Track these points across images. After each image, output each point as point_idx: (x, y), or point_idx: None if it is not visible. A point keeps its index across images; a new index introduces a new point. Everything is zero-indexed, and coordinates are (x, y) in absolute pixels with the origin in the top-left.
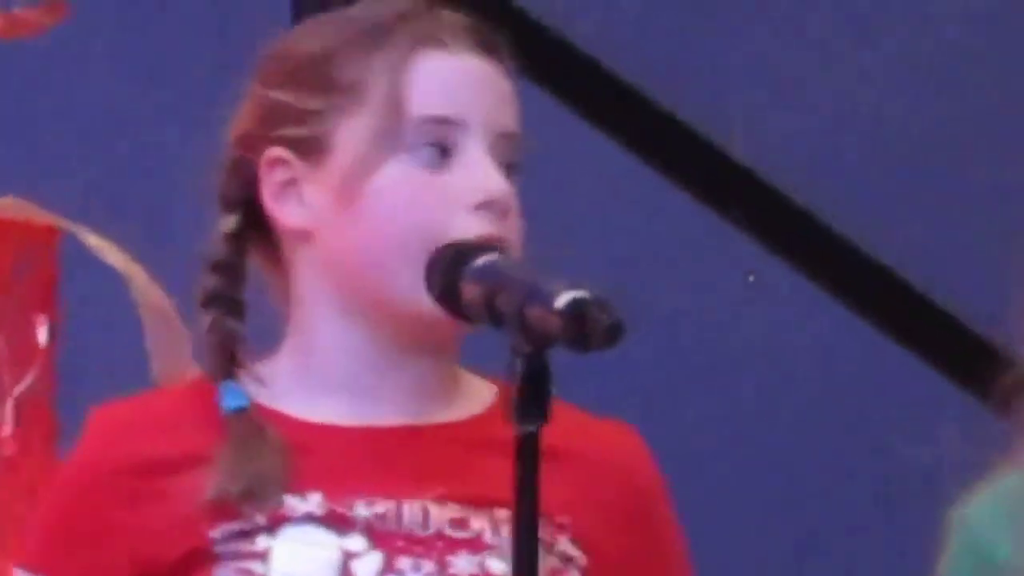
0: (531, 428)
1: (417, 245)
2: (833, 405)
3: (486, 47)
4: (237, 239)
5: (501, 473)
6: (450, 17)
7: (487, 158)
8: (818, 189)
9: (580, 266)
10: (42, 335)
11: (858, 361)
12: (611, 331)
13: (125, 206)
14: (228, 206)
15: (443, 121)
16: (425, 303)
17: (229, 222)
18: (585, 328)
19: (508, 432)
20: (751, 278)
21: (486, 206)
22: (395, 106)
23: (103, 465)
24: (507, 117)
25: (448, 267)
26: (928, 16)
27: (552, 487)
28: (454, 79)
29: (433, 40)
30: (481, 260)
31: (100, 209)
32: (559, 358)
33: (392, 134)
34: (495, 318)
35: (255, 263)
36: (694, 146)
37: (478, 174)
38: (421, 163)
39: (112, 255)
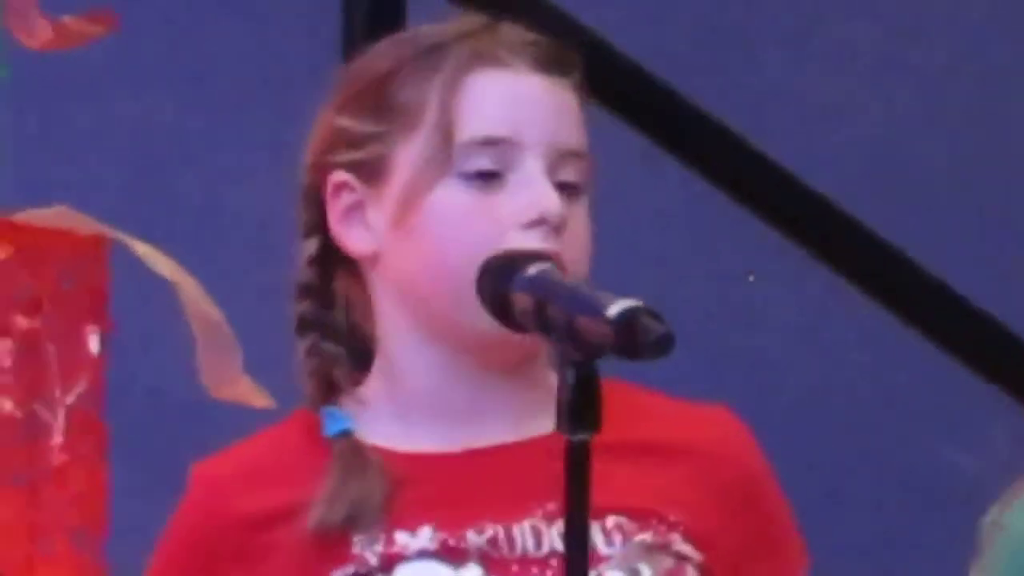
0: (583, 437)
1: (470, 267)
2: (881, 411)
3: (548, 63)
4: (322, 263)
5: (605, 478)
6: (511, 33)
7: (542, 176)
8: (864, 198)
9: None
10: (93, 345)
11: (906, 368)
12: (662, 341)
13: (170, 217)
14: (308, 231)
15: (495, 142)
16: (486, 323)
17: (311, 247)
18: (636, 337)
19: (605, 436)
20: (751, 278)
21: (537, 224)
22: (445, 128)
23: (211, 522)
24: (569, 135)
25: (499, 277)
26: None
27: (659, 483)
28: (509, 97)
29: (489, 58)
30: (532, 270)
31: (146, 220)
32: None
33: (442, 156)
34: (545, 327)
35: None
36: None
37: (531, 193)
38: (472, 185)
39: (161, 264)
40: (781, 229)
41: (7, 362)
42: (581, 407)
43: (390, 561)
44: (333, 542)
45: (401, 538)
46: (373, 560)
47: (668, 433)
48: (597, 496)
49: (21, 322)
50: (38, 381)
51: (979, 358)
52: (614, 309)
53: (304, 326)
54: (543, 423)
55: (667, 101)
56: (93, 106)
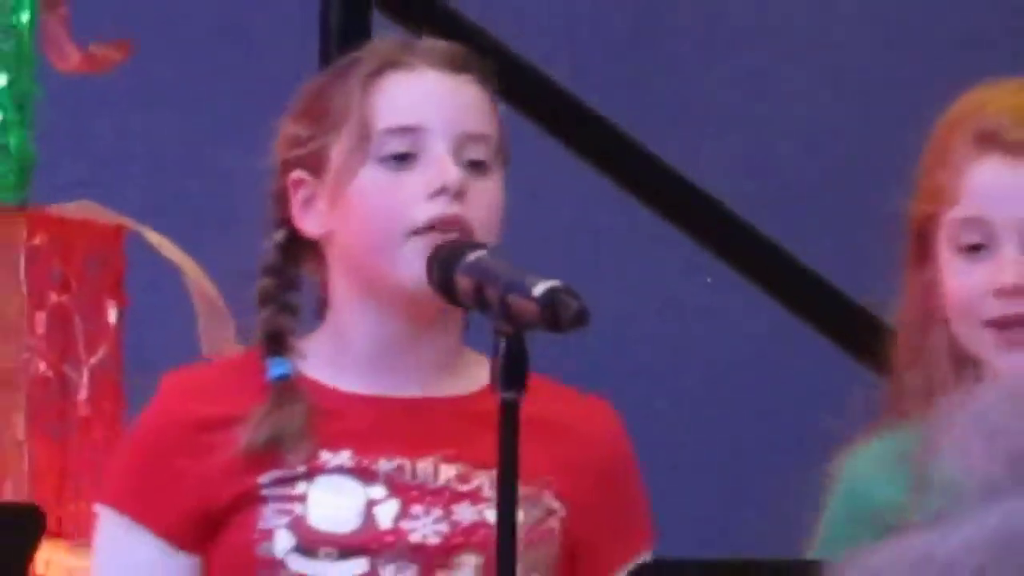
0: (511, 397)
1: (392, 231)
2: (768, 380)
3: (452, 64)
4: (284, 249)
5: (490, 443)
6: (423, 44)
7: (445, 155)
8: (751, 200)
9: (551, 268)
10: (112, 317)
11: (786, 346)
12: (579, 315)
13: (178, 209)
14: (276, 223)
15: (405, 130)
16: (411, 277)
17: (278, 236)
18: (557, 312)
19: (470, 409)
20: (709, 279)
21: (440, 192)
22: (363, 122)
23: (170, 420)
24: (472, 121)
25: (444, 263)
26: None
27: (539, 452)
28: (415, 93)
29: (398, 63)
30: (471, 256)
31: (157, 212)
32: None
33: (362, 145)
34: (482, 305)
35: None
36: (657, 171)
37: (434, 169)
38: (387, 166)
39: (169, 250)
40: (678, 225)
41: (41, 330)
42: (512, 372)
43: (313, 471)
44: (264, 453)
45: (324, 455)
46: (300, 469)
47: (551, 413)
48: (489, 454)
49: (53, 298)
50: (67, 347)
51: (846, 337)
52: (539, 289)
53: (264, 299)
54: (452, 385)
55: (574, 109)
56: (111, 118)
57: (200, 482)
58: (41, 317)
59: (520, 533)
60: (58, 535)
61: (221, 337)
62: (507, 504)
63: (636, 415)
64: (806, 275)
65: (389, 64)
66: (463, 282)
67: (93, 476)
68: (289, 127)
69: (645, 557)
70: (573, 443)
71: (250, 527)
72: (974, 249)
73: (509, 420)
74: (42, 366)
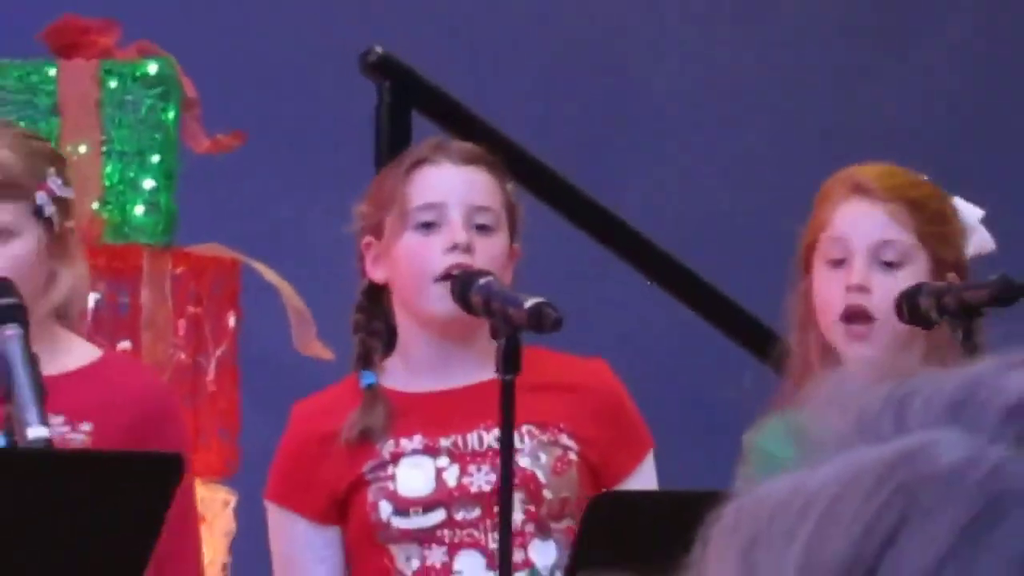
0: (509, 378)
1: (423, 278)
2: (676, 367)
3: (465, 158)
4: (368, 293)
5: (521, 403)
6: (446, 144)
7: (457, 222)
8: (671, 229)
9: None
10: (231, 323)
11: (695, 340)
12: (556, 322)
13: (272, 250)
14: (362, 273)
15: (430, 206)
16: (440, 309)
17: (363, 283)
18: (540, 319)
19: (523, 380)
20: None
21: (453, 248)
22: (402, 202)
23: (303, 439)
24: (479, 198)
25: (462, 285)
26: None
27: (553, 406)
28: (438, 180)
29: (427, 160)
30: (482, 280)
31: (261, 252)
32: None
33: (402, 219)
34: (488, 313)
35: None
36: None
37: (449, 232)
38: (419, 232)
39: (269, 275)
40: (610, 247)
41: (182, 332)
42: (509, 360)
43: (395, 457)
44: (364, 447)
45: (403, 443)
46: (387, 456)
47: (561, 376)
48: (516, 414)
49: (190, 310)
50: (199, 344)
51: (742, 335)
52: (528, 303)
53: (356, 328)
54: (482, 374)
55: (547, 176)
56: (231, 185)
57: (328, 478)
58: (182, 323)
59: (547, 468)
60: (192, 473)
61: (307, 336)
62: (507, 451)
63: None
64: (714, 292)
65: (422, 161)
66: (475, 298)
67: (217, 433)
68: (362, 207)
69: (649, 455)
70: (576, 395)
71: (363, 503)
72: (838, 263)
73: (508, 393)
74: (182, 356)
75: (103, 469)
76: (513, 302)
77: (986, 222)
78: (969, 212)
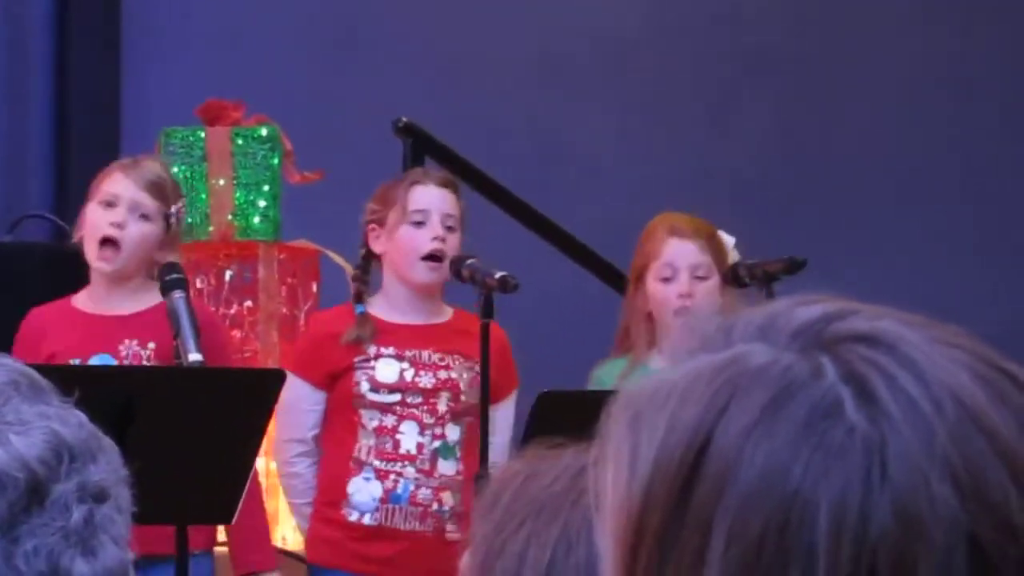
0: (485, 322)
1: (413, 255)
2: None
3: (442, 183)
4: (365, 257)
5: (460, 340)
6: (431, 171)
7: (437, 221)
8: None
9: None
10: (313, 288)
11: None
12: (516, 286)
13: (340, 241)
14: (362, 245)
15: (421, 211)
16: (422, 275)
17: (362, 251)
18: (505, 284)
19: (460, 326)
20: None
21: (435, 240)
22: (403, 206)
23: (318, 334)
24: (450, 208)
25: (456, 263)
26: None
27: (470, 344)
28: (426, 195)
29: (418, 180)
30: (469, 261)
31: (332, 243)
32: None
33: (401, 217)
34: (473, 281)
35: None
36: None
37: (431, 229)
38: (412, 226)
39: (337, 258)
40: (541, 236)
41: (283, 294)
42: (486, 309)
43: (377, 356)
44: (355, 348)
45: (381, 349)
46: (371, 354)
47: (475, 327)
48: (459, 346)
49: (288, 280)
50: (293, 302)
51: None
52: (499, 274)
53: (355, 279)
54: (435, 319)
55: (501, 191)
56: (310, 202)
57: (330, 360)
58: (284, 289)
59: (466, 381)
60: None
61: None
62: (485, 379)
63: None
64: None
65: (416, 181)
66: (465, 272)
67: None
68: (371, 205)
69: (514, 391)
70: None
71: (349, 380)
72: (667, 280)
73: (485, 333)
74: (284, 310)
75: (227, 379)
76: (488, 273)
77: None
78: (727, 239)
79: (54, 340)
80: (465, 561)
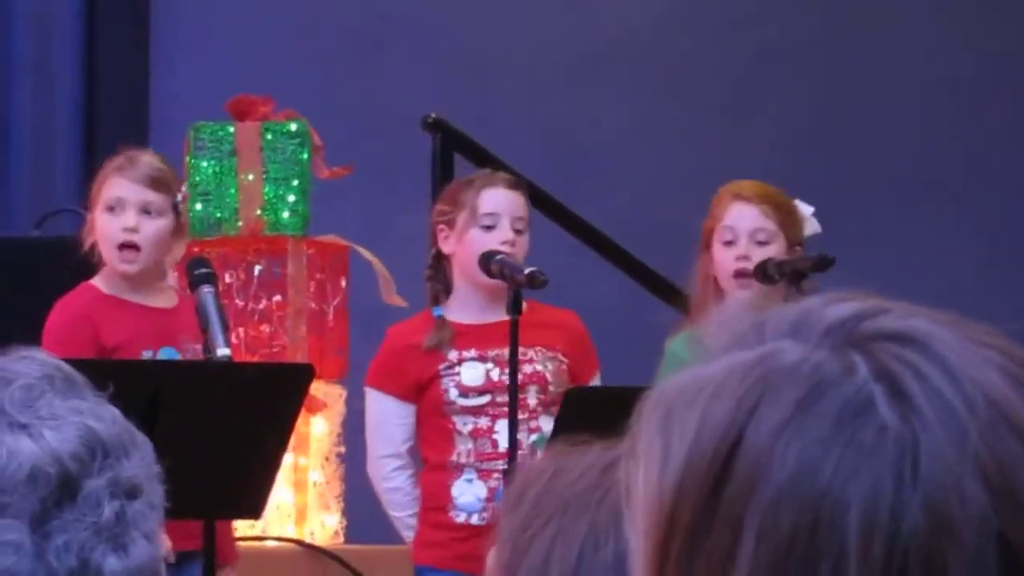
0: (515, 317)
1: (481, 258)
2: (618, 322)
3: (511, 184)
4: (437, 256)
5: (538, 332)
6: (500, 174)
7: (507, 225)
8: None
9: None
10: (342, 283)
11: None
12: (544, 282)
13: (369, 236)
14: (433, 244)
15: (491, 214)
16: (483, 278)
17: (433, 252)
18: (535, 280)
19: (525, 319)
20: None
21: (505, 243)
22: (473, 208)
23: (395, 347)
24: (519, 211)
25: (487, 258)
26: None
27: (554, 334)
28: (496, 198)
29: (489, 183)
30: (499, 256)
31: (361, 239)
32: None
33: (471, 219)
34: (503, 276)
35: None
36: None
37: (501, 232)
38: (482, 229)
39: (366, 254)
40: (581, 239)
41: (312, 289)
42: (515, 305)
43: (461, 360)
44: (437, 354)
45: (463, 353)
46: (454, 360)
47: (554, 318)
48: (531, 339)
49: (317, 275)
50: (322, 297)
51: (667, 296)
52: (528, 270)
53: (428, 278)
54: (505, 315)
55: (549, 201)
56: (341, 199)
57: (413, 371)
58: (312, 284)
59: (553, 372)
60: (318, 377)
61: (389, 292)
62: (513, 368)
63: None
64: (648, 269)
65: (486, 184)
66: (495, 267)
67: (333, 352)
68: (441, 206)
69: (597, 372)
70: (562, 329)
71: (438, 388)
72: (729, 243)
73: (514, 329)
74: (312, 305)
75: (256, 374)
76: (518, 270)
77: (815, 215)
78: (804, 208)
79: (112, 332)
80: (491, 559)
